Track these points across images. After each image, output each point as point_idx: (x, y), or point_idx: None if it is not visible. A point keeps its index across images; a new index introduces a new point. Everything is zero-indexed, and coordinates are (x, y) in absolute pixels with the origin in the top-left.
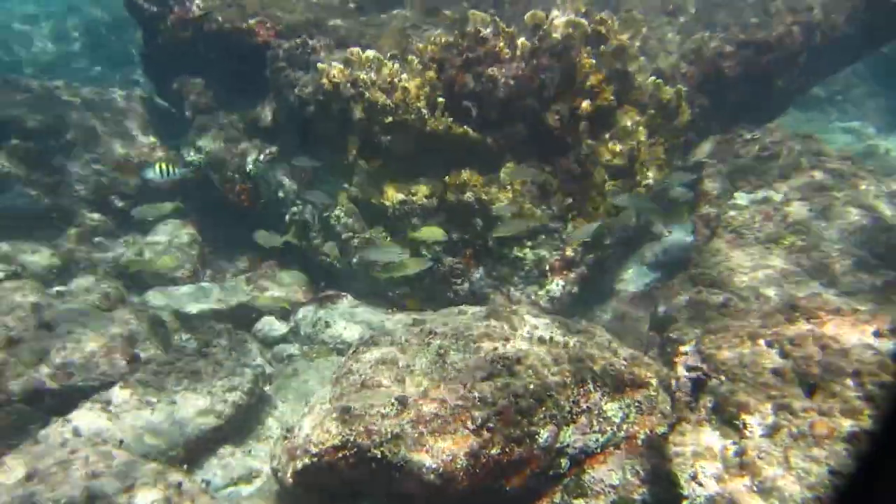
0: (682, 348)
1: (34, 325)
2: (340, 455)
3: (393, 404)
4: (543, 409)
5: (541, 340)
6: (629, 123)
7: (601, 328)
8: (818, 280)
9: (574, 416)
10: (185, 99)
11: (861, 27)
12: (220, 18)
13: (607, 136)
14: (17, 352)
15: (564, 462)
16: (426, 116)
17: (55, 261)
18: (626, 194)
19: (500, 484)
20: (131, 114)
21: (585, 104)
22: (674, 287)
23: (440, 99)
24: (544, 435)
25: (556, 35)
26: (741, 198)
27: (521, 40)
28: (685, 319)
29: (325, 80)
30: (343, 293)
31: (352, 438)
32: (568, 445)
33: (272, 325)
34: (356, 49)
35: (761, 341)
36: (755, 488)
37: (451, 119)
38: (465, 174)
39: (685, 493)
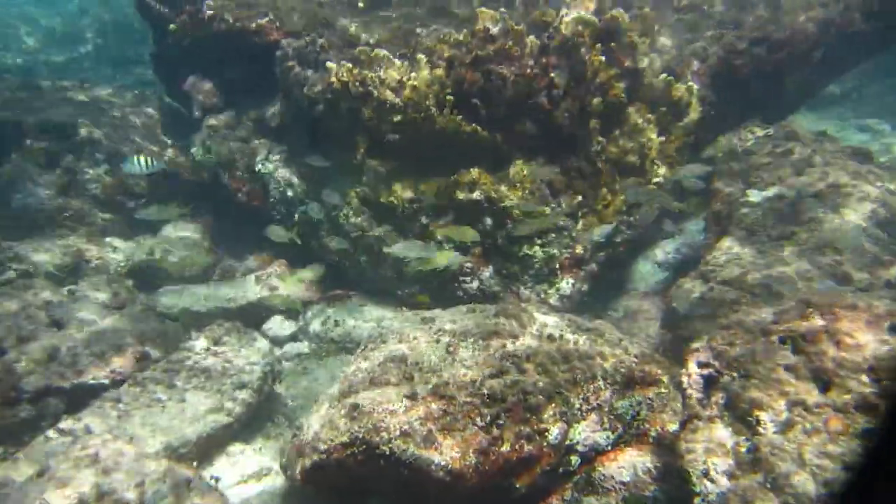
0: (694, 345)
1: (45, 323)
2: (349, 452)
3: (402, 401)
4: (553, 406)
5: (550, 338)
6: (640, 121)
7: (611, 326)
8: (832, 276)
9: (584, 414)
10: (194, 99)
11: (876, 23)
12: (229, 18)
13: (617, 133)
14: (28, 350)
15: (575, 459)
16: (435, 115)
17: (66, 260)
18: (642, 188)
19: (510, 481)
20: (142, 114)
21: (595, 101)
22: (685, 284)
23: (449, 97)
24: (554, 432)
25: (567, 32)
26: (753, 195)
27: (530, 38)
28: (697, 317)
29: (333, 79)
30: (352, 292)
31: (360, 435)
32: (578, 443)
33: (281, 324)
34: (365, 47)
35: (774, 337)
36: (768, 485)
37: (459, 117)
38: (474, 172)
39: (697, 489)
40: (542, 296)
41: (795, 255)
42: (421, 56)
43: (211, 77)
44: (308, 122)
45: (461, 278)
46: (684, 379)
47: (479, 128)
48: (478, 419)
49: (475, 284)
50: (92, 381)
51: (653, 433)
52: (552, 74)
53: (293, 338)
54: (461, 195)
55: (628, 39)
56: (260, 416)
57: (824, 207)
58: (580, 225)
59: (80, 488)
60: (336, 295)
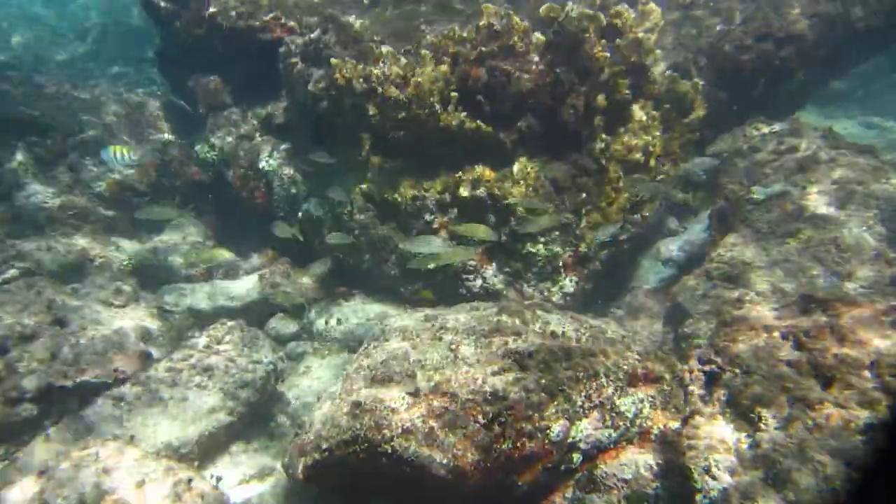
0: (696, 342)
1: (48, 321)
2: (351, 450)
3: (404, 399)
4: (555, 403)
5: (553, 335)
6: (644, 118)
7: (614, 323)
8: (835, 273)
9: (586, 411)
10: (199, 96)
11: (883, 20)
12: (234, 15)
13: (622, 130)
14: (31, 348)
15: (577, 457)
16: (439, 111)
17: (70, 258)
18: (650, 182)
19: (512, 479)
20: (147, 112)
21: (600, 98)
22: (689, 282)
23: (453, 93)
24: (556, 430)
25: (572, 28)
26: (758, 192)
27: (535, 34)
28: (700, 314)
29: (337, 76)
30: (355, 290)
31: (362, 433)
32: (580, 440)
33: (285, 322)
34: (369, 44)
35: (776, 333)
36: (770, 481)
37: (464, 114)
38: (479, 169)
39: (699, 486)
40: (546, 294)
41: (799, 252)
42: (425, 52)
43: (215, 74)
44: (312, 118)
45: (464, 276)
46: (686, 376)
47: (483, 124)
48: (480, 417)
49: (478, 282)
50: (94, 380)
51: (655, 430)
52: (557, 70)
53: (296, 336)
54: (465, 192)
55: (633, 35)
56: (262, 415)
57: (829, 204)
58: (584, 222)
59: (81, 488)
60: (339, 293)
